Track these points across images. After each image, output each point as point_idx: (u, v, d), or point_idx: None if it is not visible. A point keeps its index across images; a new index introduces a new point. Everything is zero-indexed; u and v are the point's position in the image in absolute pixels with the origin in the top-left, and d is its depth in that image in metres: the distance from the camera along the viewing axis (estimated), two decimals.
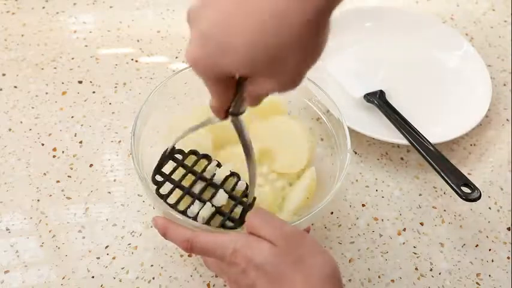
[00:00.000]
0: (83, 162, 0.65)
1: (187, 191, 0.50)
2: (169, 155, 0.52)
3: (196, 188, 0.51)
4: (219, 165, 0.53)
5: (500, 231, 0.64)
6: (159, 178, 0.51)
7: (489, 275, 0.60)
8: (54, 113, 0.70)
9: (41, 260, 0.57)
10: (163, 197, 0.49)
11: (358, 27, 0.81)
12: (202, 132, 0.52)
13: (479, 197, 0.59)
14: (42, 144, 0.67)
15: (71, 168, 0.64)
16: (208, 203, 0.49)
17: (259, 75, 0.36)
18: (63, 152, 0.66)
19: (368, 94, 0.72)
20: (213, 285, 0.56)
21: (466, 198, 0.59)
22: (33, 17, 0.81)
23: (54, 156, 0.65)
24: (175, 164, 0.52)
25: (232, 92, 0.39)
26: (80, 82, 0.74)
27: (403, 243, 0.62)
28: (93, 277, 0.56)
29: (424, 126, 0.67)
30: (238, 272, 0.42)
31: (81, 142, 0.67)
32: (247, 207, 0.50)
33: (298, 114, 0.61)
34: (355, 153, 0.69)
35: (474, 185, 0.60)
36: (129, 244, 0.59)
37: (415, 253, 0.61)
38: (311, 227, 0.61)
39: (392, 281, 0.58)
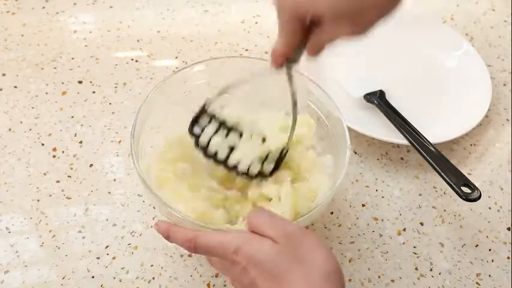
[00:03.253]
0: (83, 162, 0.65)
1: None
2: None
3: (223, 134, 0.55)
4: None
5: (500, 231, 0.64)
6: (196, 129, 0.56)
7: (489, 275, 0.60)
8: (54, 113, 0.70)
9: (41, 260, 0.57)
10: (195, 137, 0.54)
11: None
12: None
13: (479, 197, 0.59)
14: (42, 144, 0.67)
15: (71, 168, 0.64)
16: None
17: (338, 22, 0.41)
18: (63, 152, 0.66)
19: (368, 94, 0.72)
20: (213, 285, 0.56)
21: (466, 198, 0.59)
22: (33, 17, 0.81)
23: (54, 156, 0.65)
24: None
25: (300, 39, 0.44)
26: (80, 82, 0.74)
27: (403, 243, 0.62)
28: (93, 277, 0.56)
29: (424, 126, 0.67)
30: (239, 271, 0.42)
31: (81, 142, 0.67)
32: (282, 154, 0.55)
33: (298, 114, 0.61)
34: (355, 153, 0.69)
35: (474, 185, 0.60)
36: (129, 244, 0.59)
37: (415, 253, 0.61)
38: (311, 227, 0.61)
39: (393, 281, 0.58)
